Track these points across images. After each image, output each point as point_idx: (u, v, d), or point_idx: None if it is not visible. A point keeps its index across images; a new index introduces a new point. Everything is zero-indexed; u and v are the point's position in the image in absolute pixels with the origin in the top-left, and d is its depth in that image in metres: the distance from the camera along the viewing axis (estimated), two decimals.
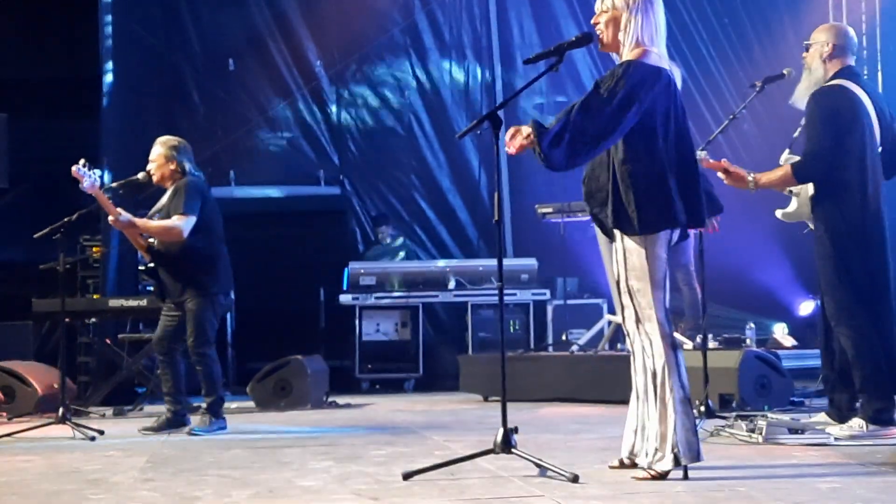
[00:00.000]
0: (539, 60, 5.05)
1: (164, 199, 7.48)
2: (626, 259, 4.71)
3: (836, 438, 5.80)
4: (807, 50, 6.20)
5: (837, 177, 5.95)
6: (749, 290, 11.30)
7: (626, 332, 4.88)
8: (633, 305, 4.71)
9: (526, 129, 4.65)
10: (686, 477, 4.59)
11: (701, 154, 6.04)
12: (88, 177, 7.10)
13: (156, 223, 7.40)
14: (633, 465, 4.81)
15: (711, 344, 8.33)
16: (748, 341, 9.03)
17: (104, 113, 11.22)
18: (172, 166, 7.48)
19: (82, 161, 7.13)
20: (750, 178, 6.04)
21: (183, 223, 7.28)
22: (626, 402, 4.95)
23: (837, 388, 6.35)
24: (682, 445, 4.59)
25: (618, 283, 4.85)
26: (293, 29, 12.86)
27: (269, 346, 10.91)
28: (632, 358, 4.85)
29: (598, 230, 5.02)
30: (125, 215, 7.26)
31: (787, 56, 6.75)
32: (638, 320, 4.71)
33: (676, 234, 4.78)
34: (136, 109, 12.09)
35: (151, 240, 7.45)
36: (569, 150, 4.63)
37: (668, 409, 4.62)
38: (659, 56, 4.77)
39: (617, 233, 4.74)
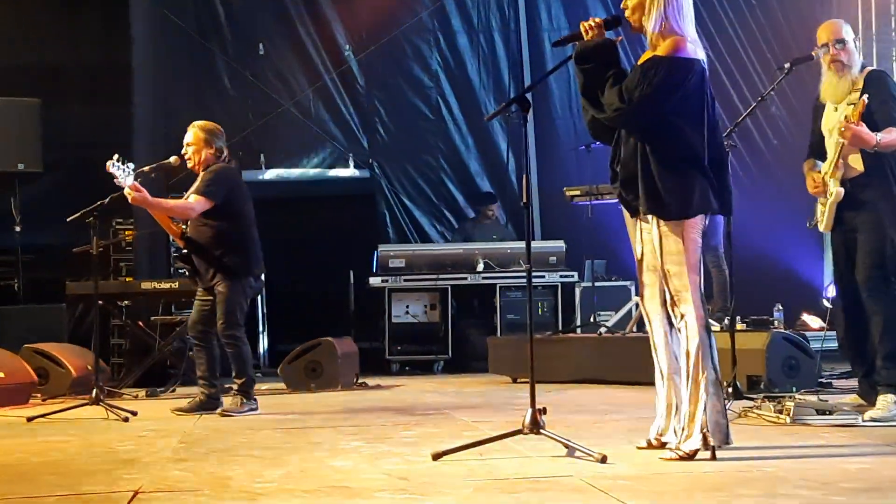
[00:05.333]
0: (567, 43, 5.10)
1: (195, 185, 7.55)
2: (662, 243, 4.75)
3: (873, 421, 5.77)
4: (842, 46, 6.17)
5: None
6: (778, 274, 11.29)
7: (644, 312, 4.94)
8: (669, 288, 4.74)
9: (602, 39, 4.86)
10: (714, 458, 4.61)
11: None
12: (123, 170, 7.17)
13: (170, 202, 7.52)
14: (661, 446, 4.85)
15: (739, 326, 8.34)
16: (776, 323, 9.04)
17: (136, 98, 11.28)
18: (210, 150, 7.55)
19: (116, 156, 7.20)
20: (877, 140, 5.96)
21: (196, 203, 7.35)
22: (653, 383, 4.99)
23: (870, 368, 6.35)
24: (711, 426, 4.62)
25: (640, 261, 4.90)
26: (322, 13, 12.90)
27: (299, 328, 10.97)
28: (651, 340, 4.90)
29: (624, 211, 5.04)
30: (142, 192, 7.26)
31: (816, 38, 6.72)
32: (673, 303, 4.75)
33: (709, 218, 4.82)
34: (168, 94, 12.18)
35: (184, 227, 7.52)
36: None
37: (699, 389, 4.65)
38: (693, 43, 4.78)
39: (651, 216, 4.77)
